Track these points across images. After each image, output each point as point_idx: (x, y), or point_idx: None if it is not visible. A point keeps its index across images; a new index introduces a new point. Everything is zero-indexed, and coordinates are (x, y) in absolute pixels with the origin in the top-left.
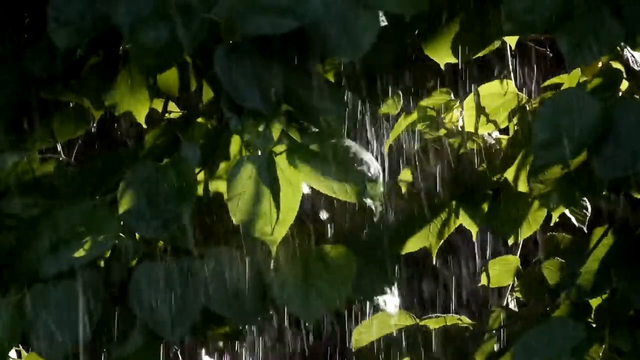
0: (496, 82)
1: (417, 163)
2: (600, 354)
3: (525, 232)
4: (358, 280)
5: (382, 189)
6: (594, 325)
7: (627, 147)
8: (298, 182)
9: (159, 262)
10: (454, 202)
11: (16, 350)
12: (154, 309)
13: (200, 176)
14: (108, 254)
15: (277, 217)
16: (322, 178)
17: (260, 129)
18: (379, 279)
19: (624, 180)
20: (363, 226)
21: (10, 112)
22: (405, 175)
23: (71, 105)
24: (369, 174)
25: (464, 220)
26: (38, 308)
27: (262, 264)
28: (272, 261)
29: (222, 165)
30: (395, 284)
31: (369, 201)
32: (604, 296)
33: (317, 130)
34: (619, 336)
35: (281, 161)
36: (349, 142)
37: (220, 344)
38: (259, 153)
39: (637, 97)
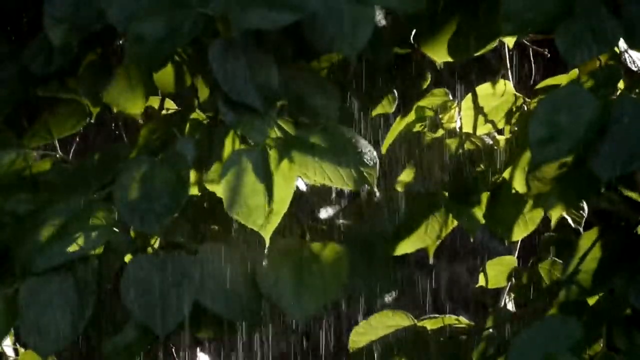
0: (494, 83)
1: (414, 163)
2: (598, 352)
3: (521, 233)
4: (355, 281)
5: (377, 174)
6: (591, 324)
7: (626, 145)
8: (292, 175)
9: (151, 257)
10: (451, 203)
11: (14, 349)
12: (144, 303)
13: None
14: (102, 249)
15: (271, 209)
16: (317, 166)
17: (255, 123)
18: (377, 279)
19: (622, 179)
20: (361, 226)
21: (7, 109)
22: (405, 176)
23: (68, 102)
24: (365, 159)
25: (461, 221)
26: (31, 302)
27: (256, 260)
28: (265, 256)
29: (217, 163)
30: (394, 284)
31: (365, 186)
32: (601, 294)
33: (311, 122)
34: (616, 334)
35: (275, 154)
36: (343, 129)
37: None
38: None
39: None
